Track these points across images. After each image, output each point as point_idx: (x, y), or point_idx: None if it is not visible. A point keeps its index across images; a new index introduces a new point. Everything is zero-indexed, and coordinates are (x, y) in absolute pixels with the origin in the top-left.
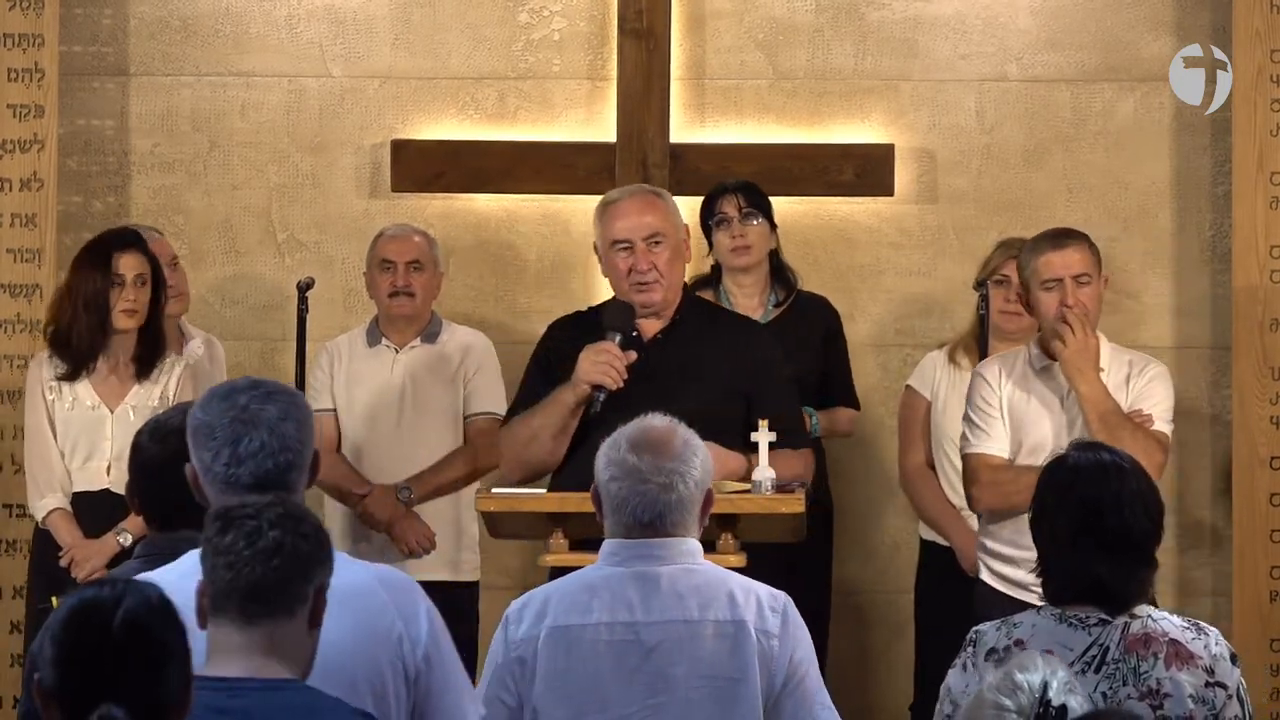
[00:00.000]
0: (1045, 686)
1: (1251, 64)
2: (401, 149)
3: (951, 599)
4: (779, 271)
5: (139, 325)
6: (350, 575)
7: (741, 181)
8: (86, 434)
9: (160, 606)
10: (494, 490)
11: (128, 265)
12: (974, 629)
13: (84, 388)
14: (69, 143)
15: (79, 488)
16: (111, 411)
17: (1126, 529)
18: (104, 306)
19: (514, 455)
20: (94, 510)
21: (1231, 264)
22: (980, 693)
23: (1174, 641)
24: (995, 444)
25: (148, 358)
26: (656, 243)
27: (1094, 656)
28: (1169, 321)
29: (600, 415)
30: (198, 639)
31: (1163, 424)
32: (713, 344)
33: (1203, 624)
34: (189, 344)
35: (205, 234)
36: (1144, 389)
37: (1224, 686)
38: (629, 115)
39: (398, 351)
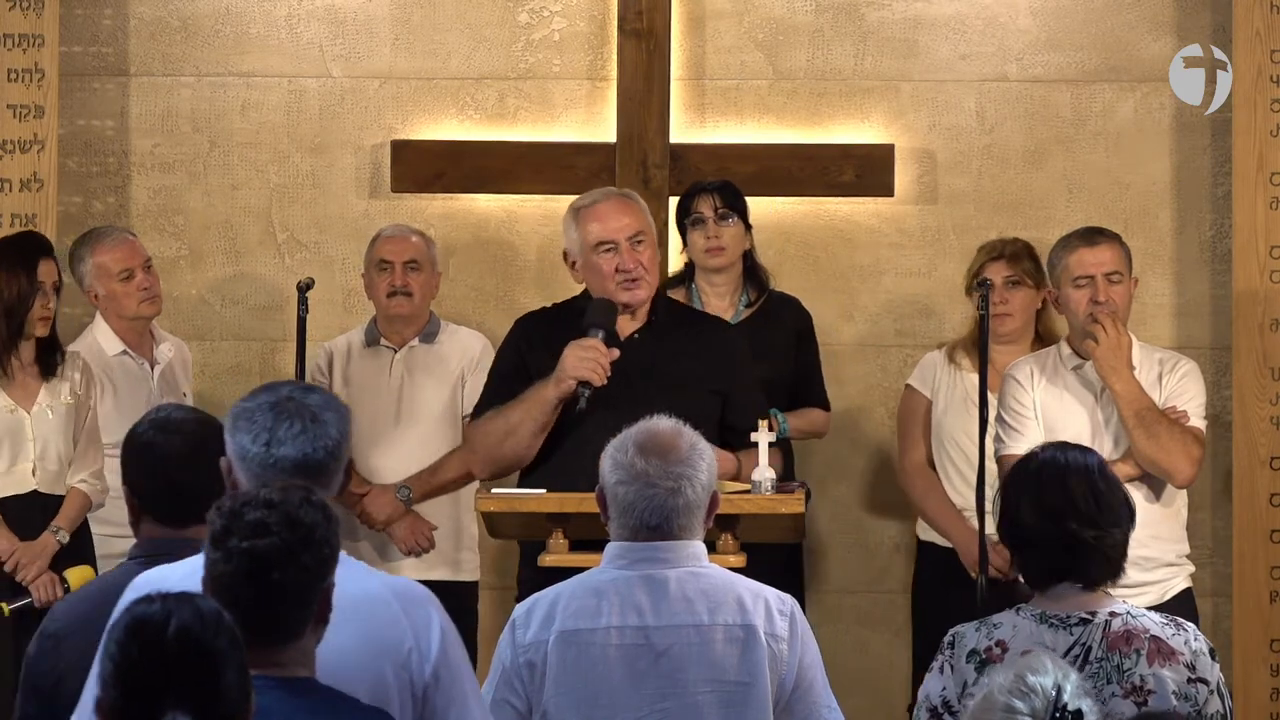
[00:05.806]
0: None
1: (1251, 64)
2: (401, 149)
3: (950, 599)
4: (751, 272)
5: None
6: (364, 585)
7: (719, 181)
8: (9, 438)
9: (211, 616)
10: (494, 490)
11: (48, 272)
12: (952, 630)
13: None
14: (69, 143)
15: (6, 492)
16: (29, 413)
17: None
18: (23, 313)
19: (487, 451)
20: (24, 513)
21: (1231, 264)
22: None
23: (1155, 638)
24: (1029, 444)
25: (48, 358)
26: (639, 241)
27: (1077, 656)
28: (1169, 321)
29: (578, 414)
30: None
31: (1197, 420)
32: (687, 343)
33: (1180, 620)
34: (159, 347)
35: (205, 234)
36: (1177, 386)
37: (1205, 682)
38: (629, 115)
39: (396, 351)
